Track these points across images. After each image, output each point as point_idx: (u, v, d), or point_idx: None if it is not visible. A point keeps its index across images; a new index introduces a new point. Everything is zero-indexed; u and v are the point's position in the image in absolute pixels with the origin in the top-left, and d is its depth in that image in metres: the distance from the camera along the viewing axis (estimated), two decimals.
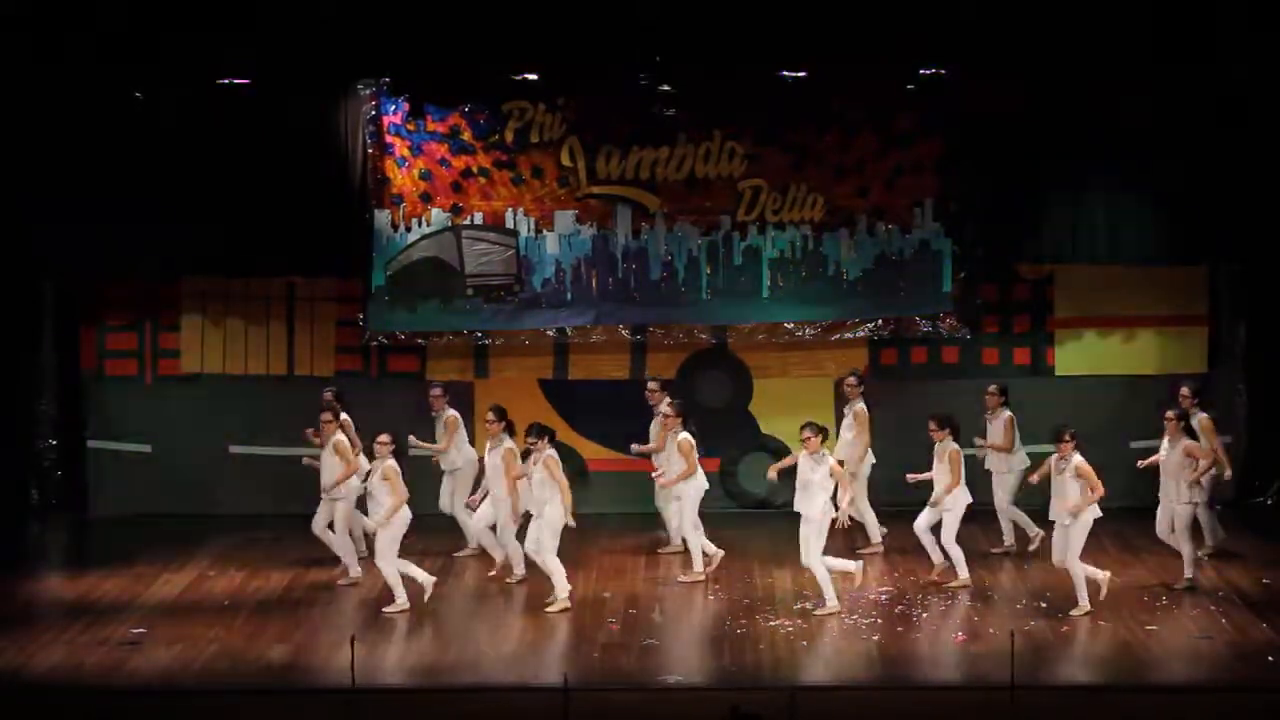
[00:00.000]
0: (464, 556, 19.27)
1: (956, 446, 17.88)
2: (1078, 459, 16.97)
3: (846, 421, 19.39)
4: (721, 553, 18.55)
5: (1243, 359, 21.30)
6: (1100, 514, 17.06)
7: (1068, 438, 17.05)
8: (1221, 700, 15.00)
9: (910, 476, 18.21)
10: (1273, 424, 20.98)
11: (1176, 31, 19.59)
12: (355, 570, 18.45)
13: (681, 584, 18.43)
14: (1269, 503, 21.10)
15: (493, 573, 18.53)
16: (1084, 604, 17.05)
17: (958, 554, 18.00)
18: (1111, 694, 15.14)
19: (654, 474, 19.10)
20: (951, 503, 17.88)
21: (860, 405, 19.37)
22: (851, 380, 19.59)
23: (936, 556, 18.17)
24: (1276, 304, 20.91)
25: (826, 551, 17.29)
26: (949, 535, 17.96)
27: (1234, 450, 20.85)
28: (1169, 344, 21.27)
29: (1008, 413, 19.17)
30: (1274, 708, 14.78)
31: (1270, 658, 15.82)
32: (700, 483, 18.59)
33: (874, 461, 19.42)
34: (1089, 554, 17.24)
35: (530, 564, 18.00)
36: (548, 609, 17.39)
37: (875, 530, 19.46)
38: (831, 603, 17.15)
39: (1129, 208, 20.80)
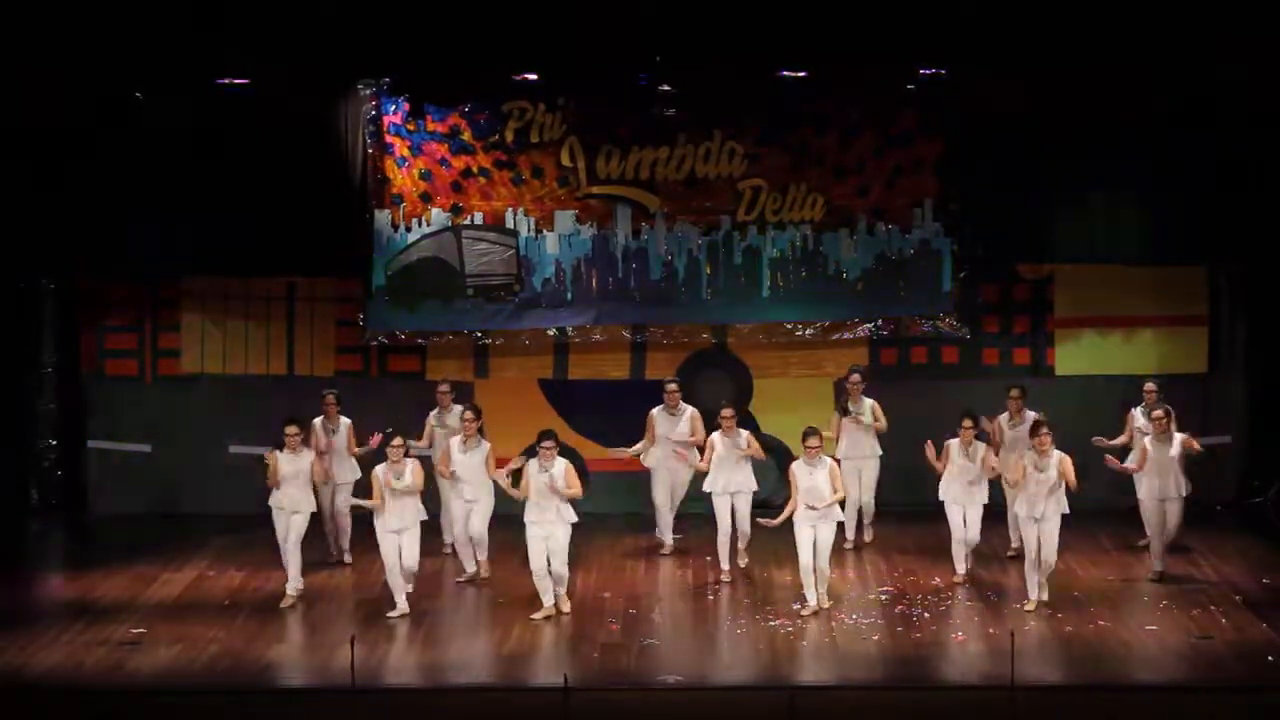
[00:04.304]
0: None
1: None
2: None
3: (862, 419, 19.19)
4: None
5: (1243, 359, 21.29)
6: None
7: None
8: (1221, 700, 14.99)
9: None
10: (1273, 424, 20.95)
11: (1176, 31, 19.57)
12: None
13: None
14: (1269, 502, 21.09)
15: (461, 578, 18.43)
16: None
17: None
18: (1111, 694, 15.13)
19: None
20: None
21: (871, 401, 19.23)
22: (855, 378, 19.36)
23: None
24: (1276, 304, 20.89)
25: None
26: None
27: (1233, 450, 20.90)
28: (1169, 344, 21.23)
29: (1032, 414, 19.01)
30: (1274, 708, 14.79)
31: (1270, 658, 15.82)
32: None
33: (880, 453, 19.33)
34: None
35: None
36: (534, 617, 17.20)
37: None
38: (812, 603, 17.10)
39: (1129, 208, 20.82)
